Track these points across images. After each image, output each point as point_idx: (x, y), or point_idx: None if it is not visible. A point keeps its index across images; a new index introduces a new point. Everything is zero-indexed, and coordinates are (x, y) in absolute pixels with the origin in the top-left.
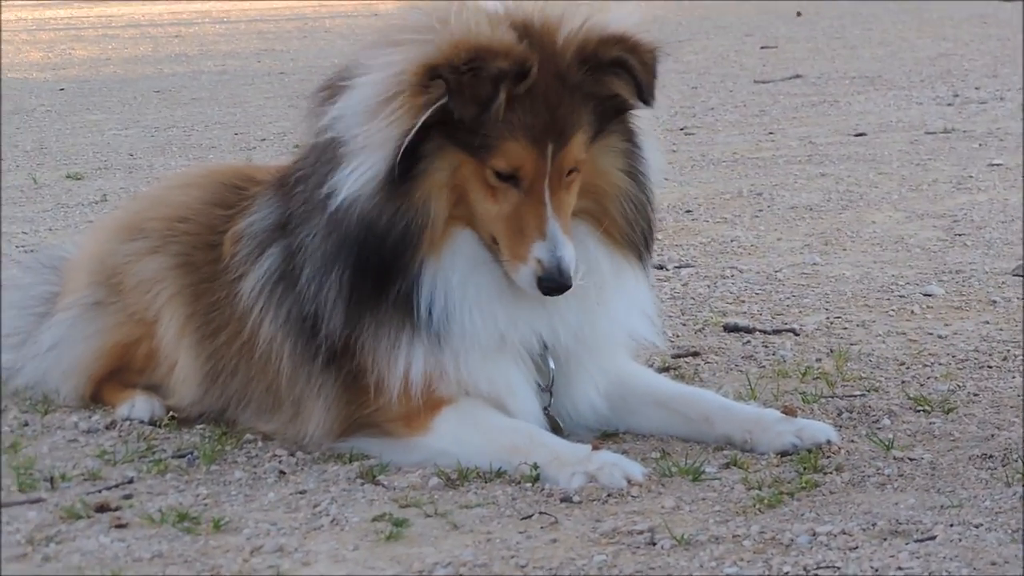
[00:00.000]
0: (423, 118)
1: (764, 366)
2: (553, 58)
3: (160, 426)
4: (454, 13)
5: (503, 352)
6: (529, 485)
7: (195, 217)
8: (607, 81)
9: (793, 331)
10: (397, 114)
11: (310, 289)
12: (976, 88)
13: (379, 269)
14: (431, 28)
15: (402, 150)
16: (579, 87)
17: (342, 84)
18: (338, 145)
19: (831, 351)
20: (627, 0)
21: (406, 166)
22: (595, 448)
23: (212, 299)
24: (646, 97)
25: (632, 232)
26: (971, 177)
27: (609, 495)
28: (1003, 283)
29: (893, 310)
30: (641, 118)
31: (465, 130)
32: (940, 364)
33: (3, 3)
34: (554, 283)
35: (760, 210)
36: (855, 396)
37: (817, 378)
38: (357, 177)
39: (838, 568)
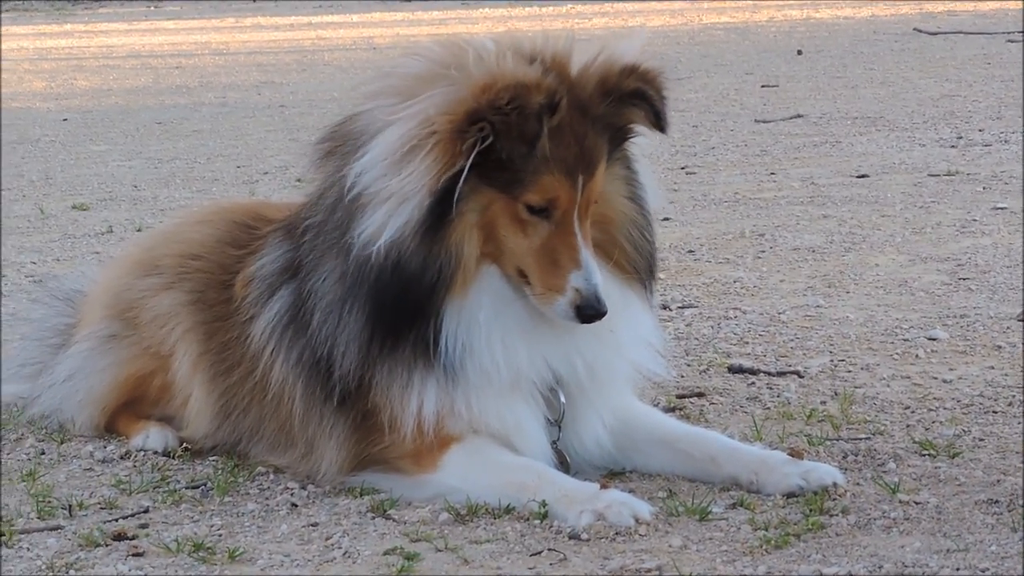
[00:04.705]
0: (468, 162)
1: (769, 408)
2: (573, 90)
3: (174, 457)
4: (472, 56)
5: (516, 389)
6: (538, 522)
7: (208, 255)
8: (626, 112)
9: (797, 373)
10: (428, 162)
11: (322, 332)
12: (980, 130)
13: (403, 310)
14: (437, 74)
15: (441, 195)
16: (600, 118)
17: (351, 136)
18: (357, 197)
19: (836, 394)
20: (633, 30)
21: (440, 211)
22: (603, 487)
23: (225, 338)
24: (663, 125)
25: (639, 258)
26: (975, 220)
27: (617, 533)
28: (1008, 328)
29: (897, 354)
30: (635, 143)
31: (499, 168)
32: (945, 409)
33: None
34: (592, 310)
35: (762, 251)
36: (860, 439)
37: (822, 421)
38: (389, 224)
39: None
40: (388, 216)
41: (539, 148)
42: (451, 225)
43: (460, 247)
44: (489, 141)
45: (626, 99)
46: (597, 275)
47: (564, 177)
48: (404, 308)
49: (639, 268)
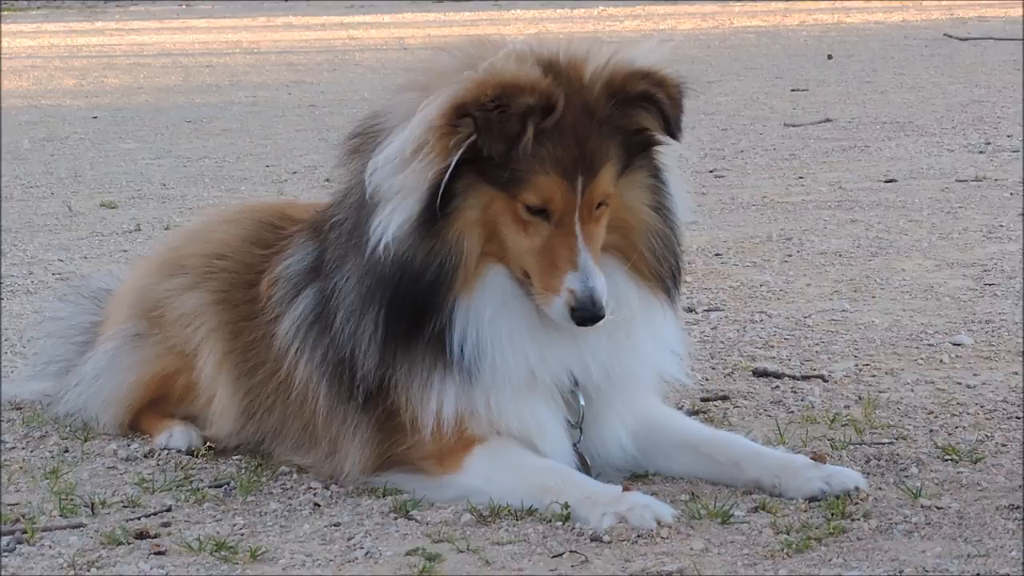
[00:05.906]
0: (455, 158)
1: (793, 411)
2: (580, 92)
3: (197, 456)
4: (481, 55)
5: (534, 390)
6: (560, 524)
7: (233, 254)
8: (634, 115)
9: (822, 377)
10: (429, 157)
11: (344, 331)
12: (1008, 136)
13: (413, 309)
14: (459, 71)
15: (436, 191)
16: (607, 121)
17: (374, 132)
18: (374, 193)
19: (860, 398)
20: (652, 37)
21: (439, 206)
22: (626, 489)
23: (249, 337)
24: (673, 131)
25: (660, 267)
26: (1002, 226)
27: (639, 536)
28: None
29: (922, 359)
30: (666, 154)
31: (495, 166)
32: (968, 414)
33: (37, 25)
34: (588, 313)
35: (789, 255)
36: (883, 444)
37: (845, 425)
38: (392, 221)
39: None
40: (392, 213)
41: (522, 149)
42: (450, 220)
43: (460, 243)
44: (473, 137)
45: (632, 102)
46: (595, 278)
47: (560, 178)
48: (414, 306)
49: (661, 275)
